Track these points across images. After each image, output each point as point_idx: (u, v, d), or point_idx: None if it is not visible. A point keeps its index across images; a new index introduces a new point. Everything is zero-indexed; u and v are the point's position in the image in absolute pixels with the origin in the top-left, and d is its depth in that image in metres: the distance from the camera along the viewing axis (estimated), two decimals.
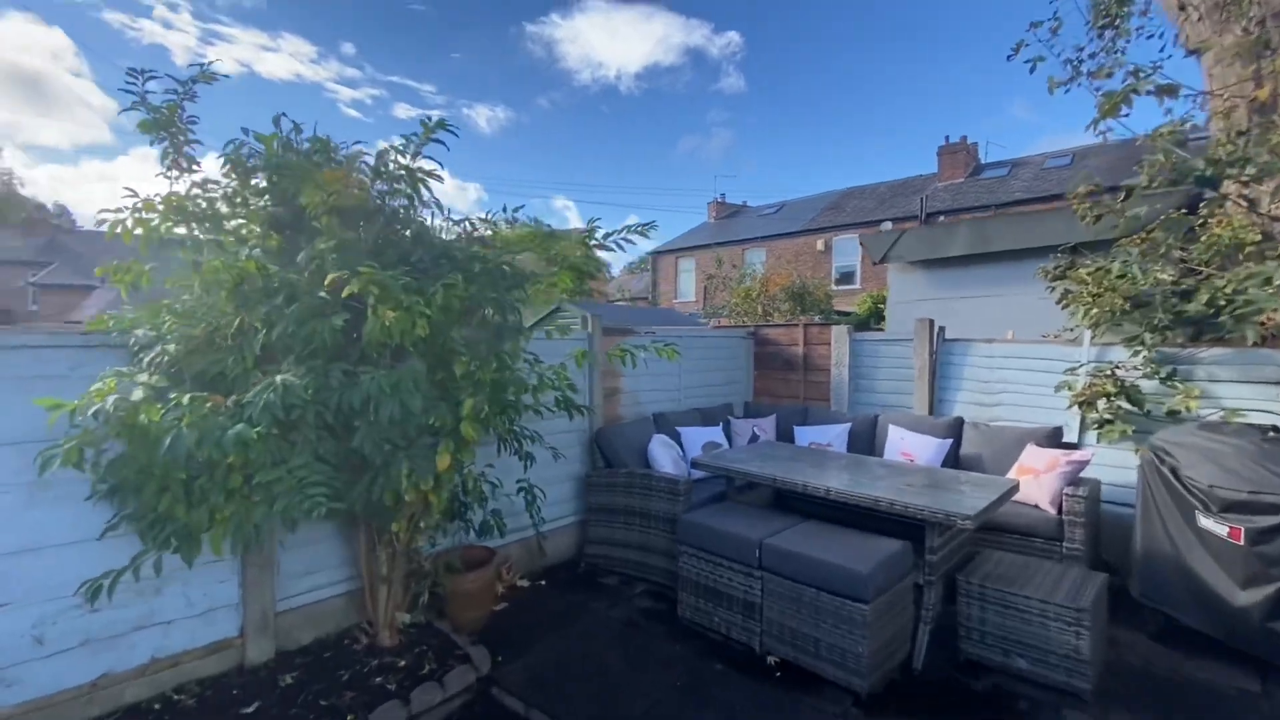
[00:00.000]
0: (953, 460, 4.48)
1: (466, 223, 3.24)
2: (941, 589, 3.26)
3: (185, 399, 2.14)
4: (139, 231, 2.50)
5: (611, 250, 3.27)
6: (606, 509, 4.37)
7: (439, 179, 2.95)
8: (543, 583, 4.19)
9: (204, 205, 2.69)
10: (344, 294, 2.30)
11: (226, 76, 2.75)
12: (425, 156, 2.95)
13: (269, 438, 2.18)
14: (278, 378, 2.20)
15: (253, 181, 2.76)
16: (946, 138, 20.36)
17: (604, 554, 4.35)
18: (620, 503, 4.26)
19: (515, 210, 3.40)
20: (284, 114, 2.77)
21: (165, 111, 2.58)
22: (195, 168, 2.71)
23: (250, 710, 2.66)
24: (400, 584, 3.29)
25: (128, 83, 2.50)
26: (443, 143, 2.94)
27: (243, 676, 2.91)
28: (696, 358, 5.83)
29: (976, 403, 5.03)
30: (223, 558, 2.89)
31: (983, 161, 20.65)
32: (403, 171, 2.89)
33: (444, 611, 3.50)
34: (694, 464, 4.10)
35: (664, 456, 4.31)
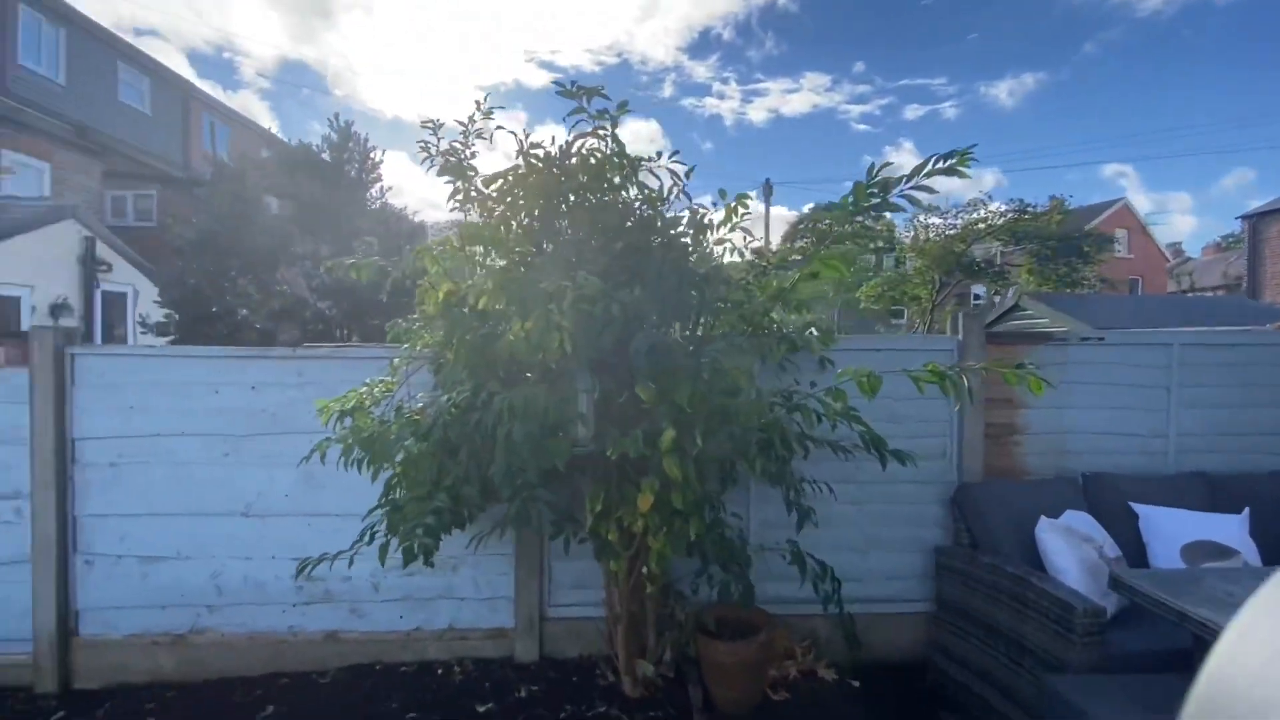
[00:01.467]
0: None
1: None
2: None
3: (401, 407, 2.30)
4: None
5: (897, 208, 2.01)
6: (961, 610, 2.88)
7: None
8: (855, 683, 3.06)
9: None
10: (478, 304, 2.05)
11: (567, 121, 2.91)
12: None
13: (425, 456, 2.12)
14: (443, 396, 2.13)
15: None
16: None
17: (957, 676, 2.88)
18: (978, 607, 2.73)
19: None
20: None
21: (454, 159, 2.85)
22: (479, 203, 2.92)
23: (483, 709, 2.75)
24: (645, 629, 2.89)
25: (424, 132, 2.89)
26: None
27: (504, 670, 3.06)
28: (1224, 375, 3.35)
29: None
30: (505, 551, 3.14)
31: None
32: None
33: (702, 677, 2.92)
34: (1114, 584, 2.21)
35: (1065, 552, 2.53)
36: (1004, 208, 18.60)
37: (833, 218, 2.26)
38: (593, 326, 1.97)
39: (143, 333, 9.12)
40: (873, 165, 2.10)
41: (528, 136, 2.57)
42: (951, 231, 18.77)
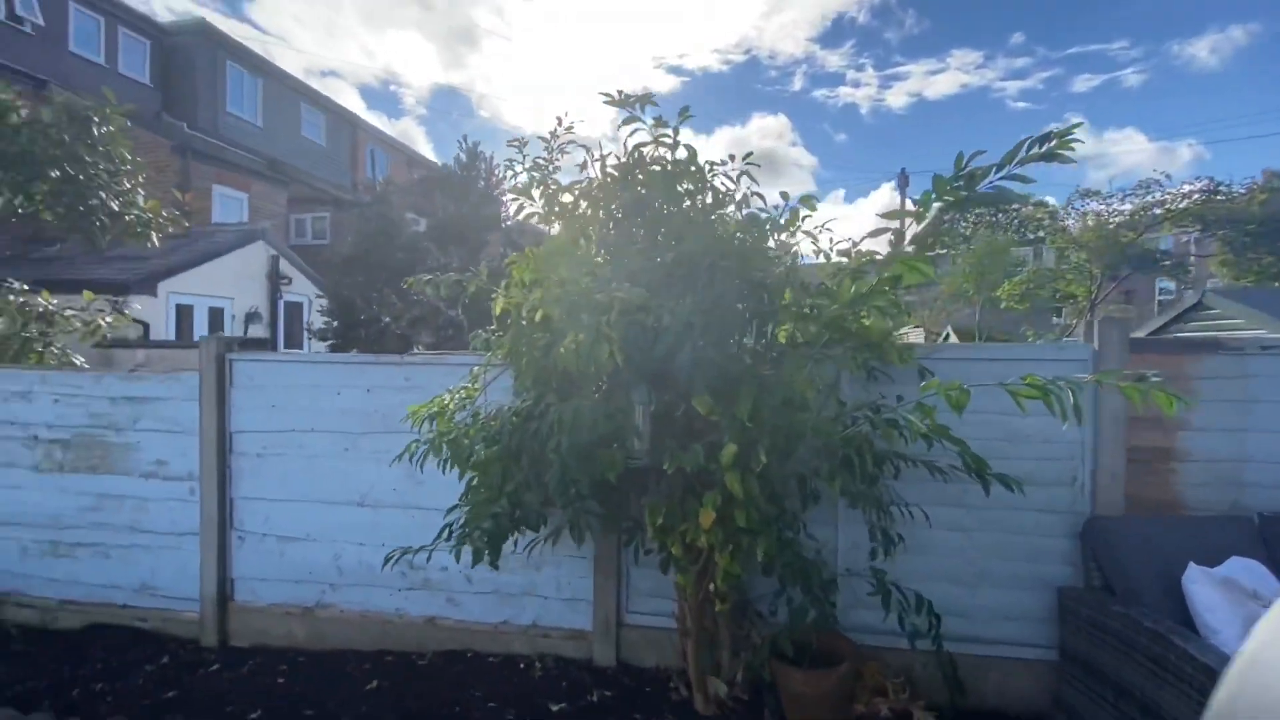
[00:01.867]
0: None
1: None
2: None
3: (478, 414, 2.44)
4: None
5: (989, 201, 1.74)
6: (1088, 663, 2.47)
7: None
8: None
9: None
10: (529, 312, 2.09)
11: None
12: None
13: (493, 461, 2.22)
14: (507, 405, 2.21)
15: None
16: None
17: None
18: (1107, 662, 2.33)
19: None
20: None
21: (538, 173, 2.95)
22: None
23: (555, 708, 2.82)
24: (719, 646, 2.80)
25: (511, 149, 3.02)
26: None
27: (581, 672, 3.11)
28: None
29: None
30: (584, 555, 3.21)
31: None
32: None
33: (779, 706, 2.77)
34: None
35: (1222, 609, 2.08)
36: (1189, 188, 15.68)
37: (912, 214, 2.04)
38: (643, 338, 1.94)
39: (309, 338, 10.51)
40: (960, 155, 1.87)
41: (603, 157, 2.60)
42: (1118, 219, 16.21)
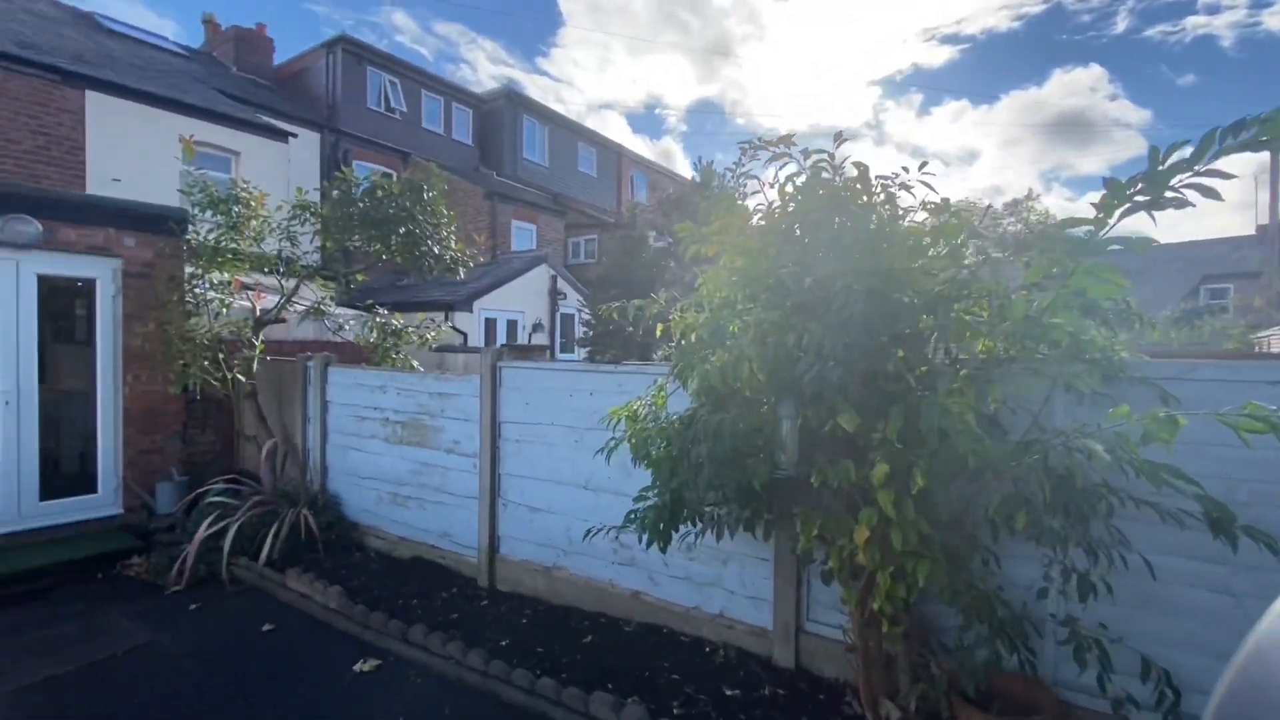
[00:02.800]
0: None
1: None
2: None
3: (659, 417, 2.84)
4: None
5: (1178, 204, 1.44)
6: None
7: None
8: None
9: None
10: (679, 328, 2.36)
11: None
12: None
13: (664, 460, 2.56)
14: (673, 412, 2.55)
15: None
16: None
17: None
18: None
19: None
20: None
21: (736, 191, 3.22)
22: None
23: (729, 693, 3.06)
24: (896, 669, 2.73)
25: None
26: None
27: (759, 668, 3.29)
28: None
29: None
30: (765, 556, 3.40)
31: None
32: None
33: None
34: None
35: None
36: None
37: (1091, 222, 1.74)
38: (784, 357, 2.10)
39: (575, 345, 12.35)
40: (1155, 149, 1.63)
41: (844, 164, 2.77)
42: None
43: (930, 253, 2.22)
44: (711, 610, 3.63)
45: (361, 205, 6.00)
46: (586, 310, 12.15)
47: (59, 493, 5.67)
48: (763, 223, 2.54)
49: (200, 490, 5.43)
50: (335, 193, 6.18)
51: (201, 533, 4.71)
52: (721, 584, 3.59)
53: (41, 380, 5.55)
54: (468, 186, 16.47)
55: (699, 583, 3.67)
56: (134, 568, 5.24)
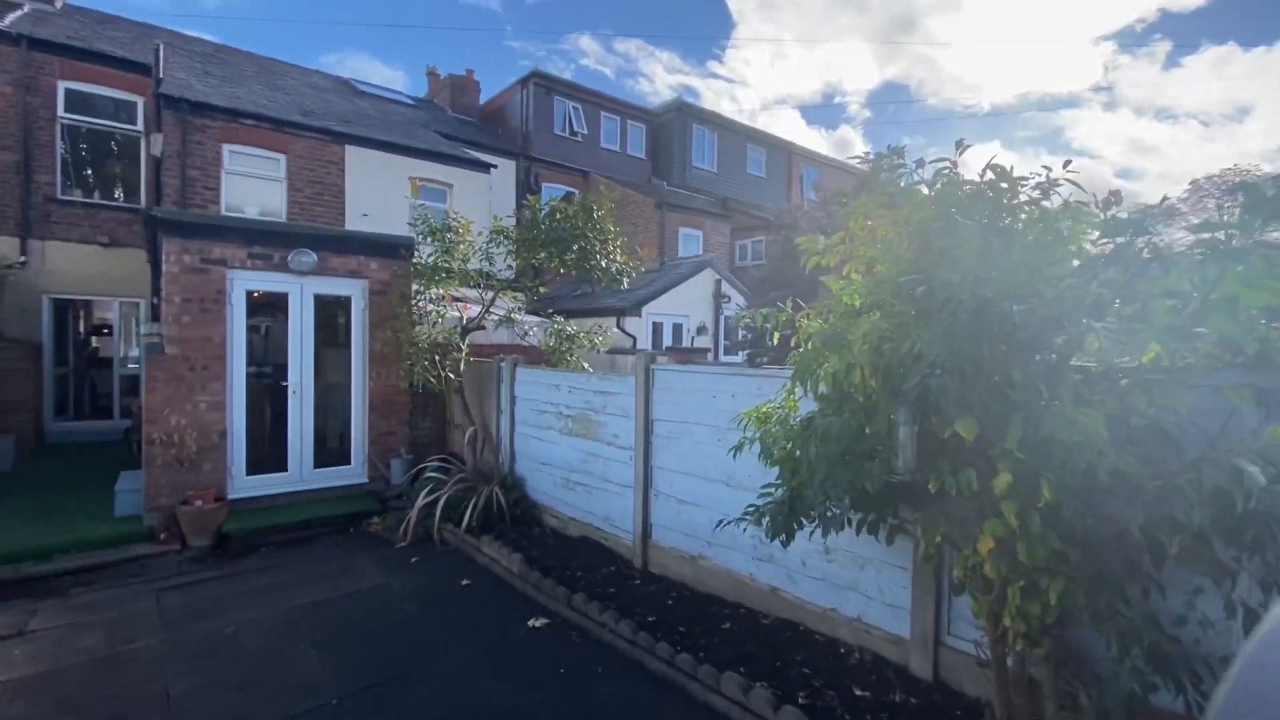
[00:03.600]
0: None
1: None
2: None
3: (785, 419, 3.02)
4: None
5: None
6: None
7: None
8: None
9: None
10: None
11: None
12: None
13: (786, 460, 2.73)
14: (792, 414, 2.71)
15: None
16: None
17: None
18: None
19: None
20: None
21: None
22: None
23: (858, 693, 3.11)
24: (1042, 696, 2.60)
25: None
26: None
27: (895, 675, 3.26)
28: None
29: None
30: (904, 565, 3.38)
31: None
32: None
33: None
34: None
35: None
36: None
37: (1233, 225, 1.53)
38: (897, 362, 2.18)
39: (735, 348, 12.55)
40: None
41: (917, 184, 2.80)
42: None
43: (1063, 255, 2.11)
44: (848, 613, 3.67)
45: (543, 227, 6.89)
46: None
47: (324, 463, 7.32)
48: (888, 231, 2.60)
49: (420, 467, 6.67)
50: (525, 214, 7.19)
51: (420, 501, 5.82)
52: (859, 588, 3.62)
53: (315, 376, 7.22)
54: (639, 198, 17.46)
55: (836, 585, 3.73)
56: (374, 525, 6.61)
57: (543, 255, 6.94)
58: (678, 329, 15.14)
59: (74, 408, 10.85)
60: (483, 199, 13.25)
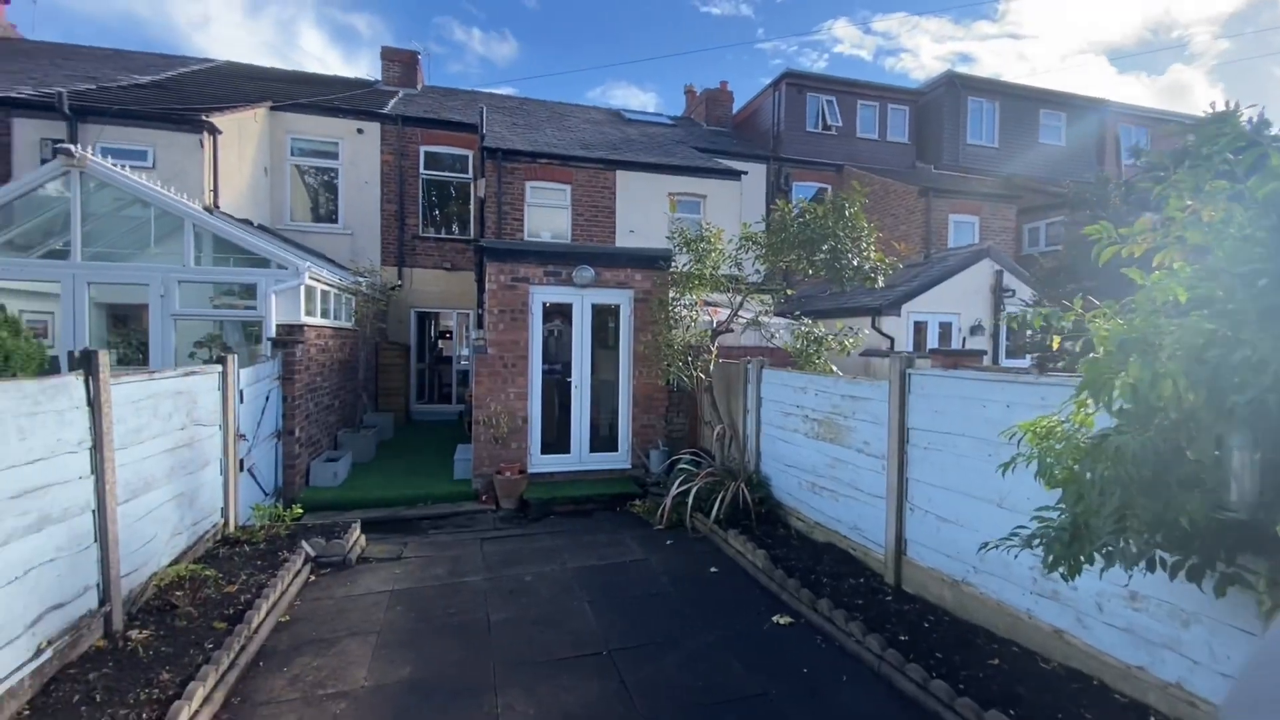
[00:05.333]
0: None
1: None
2: None
3: (1071, 436, 2.64)
4: None
5: None
6: None
7: None
8: None
9: None
10: None
11: None
12: None
13: (1069, 481, 2.36)
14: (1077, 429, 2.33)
15: None
16: None
17: None
18: None
19: None
20: None
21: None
22: None
23: None
24: None
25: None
26: None
27: None
28: None
29: None
30: (1249, 628, 2.68)
31: None
32: None
33: None
34: None
35: None
36: None
37: None
38: (1227, 372, 1.78)
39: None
40: None
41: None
42: None
43: None
44: (1163, 676, 3.00)
45: (793, 229, 6.92)
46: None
47: (597, 449, 8.42)
48: (1220, 212, 2.09)
49: (675, 458, 7.26)
50: (774, 218, 7.32)
51: (674, 490, 6.36)
52: (1179, 648, 2.93)
53: (591, 373, 8.36)
54: (900, 187, 16.17)
55: (1147, 639, 3.08)
56: (635, 507, 7.40)
57: (791, 257, 6.97)
58: (945, 329, 13.62)
59: (428, 394, 14.25)
60: (733, 206, 13.70)
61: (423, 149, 13.92)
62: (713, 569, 5.34)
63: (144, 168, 9.70)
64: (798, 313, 7.65)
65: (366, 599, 4.73)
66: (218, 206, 10.32)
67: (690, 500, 6.20)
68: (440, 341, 15.42)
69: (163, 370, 4.58)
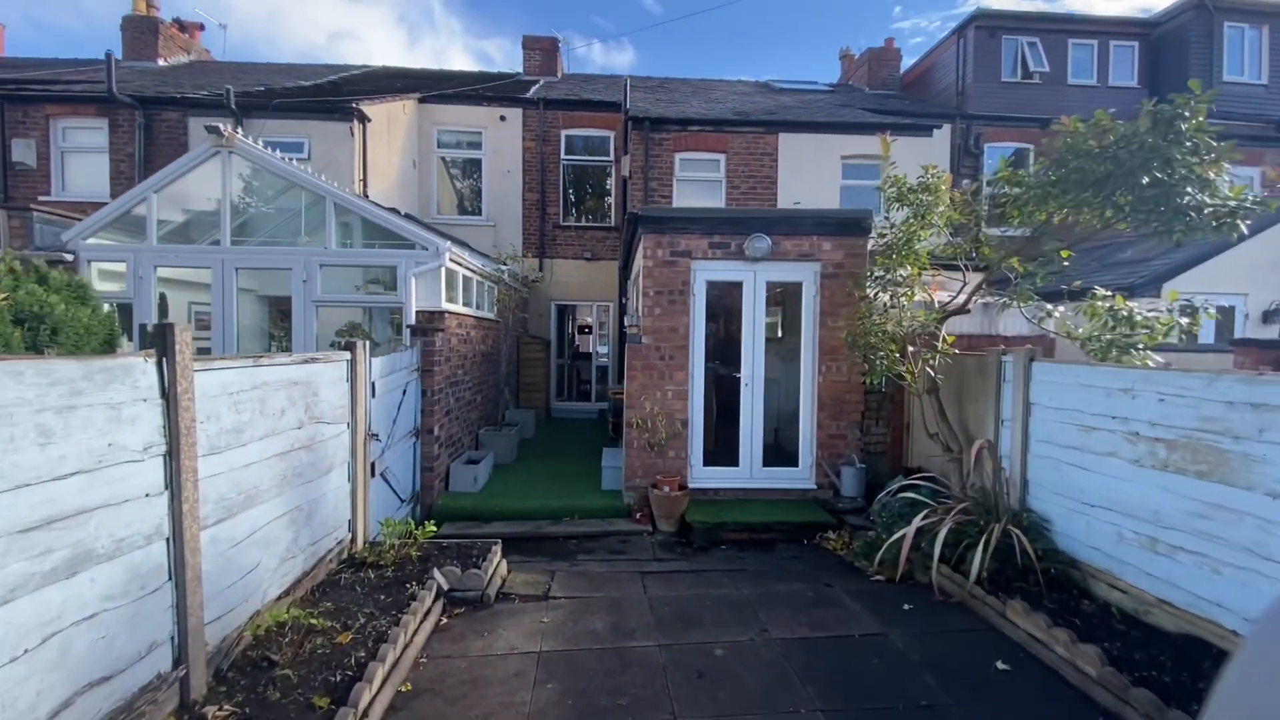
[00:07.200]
0: None
1: None
2: None
3: None
4: None
5: None
6: None
7: None
8: None
9: None
10: None
11: None
12: None
13: None
14: None
15: None
16: None
17: None
18: None
19: None
20: None
21: None
22: None
23: None
24: None
25: None
26: None
27: None
28: None
29: None
30: None
31: None
32: None
33: None
34: None
35: None
36: None
37: None
38: None
39: None
40: None
41: None
42: None
43: None
44: None
45: (1065, 169, 4.82)
46: None
47: (771, 462, 6.78)
48: None
49: (899, 484, 5.45)
50: (1055, 143, 5.25)
51: (912, 530, 4.56)
52: None
53: (764, 368, 6.75)
54: None
55: None
56: (830, 541, 5.69)
57: (1058, 207, 4.88)
58: (1225, 315, 10.30)
59: (567, 390, 13.43)
60: (915, 170, 11.39)
61: (564, 133, 13.10)
62: (1001, 666, 3.51)
63: (300, 159, 9.62)
64: (1079, 284, 5.52)
65: (508, 663, 3.52)
66: (366, 196, 10.08)
67: (937, 548, 4.37)
68: (578, 336, 14.60)
69: (271, 356, 3.67)
